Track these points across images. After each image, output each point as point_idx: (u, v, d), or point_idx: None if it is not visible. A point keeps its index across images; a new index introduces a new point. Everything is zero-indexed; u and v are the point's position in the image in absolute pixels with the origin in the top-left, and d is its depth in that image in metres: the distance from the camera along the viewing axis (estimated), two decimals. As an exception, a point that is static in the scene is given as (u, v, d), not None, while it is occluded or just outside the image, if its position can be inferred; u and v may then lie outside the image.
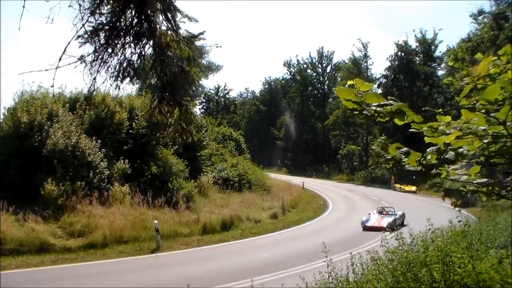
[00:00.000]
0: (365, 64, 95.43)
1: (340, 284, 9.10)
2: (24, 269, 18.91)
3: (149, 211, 27.11)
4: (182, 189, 31.51)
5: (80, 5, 4.77)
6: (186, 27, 5.31)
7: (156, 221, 23.92)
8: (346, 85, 3.58)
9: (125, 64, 5.22)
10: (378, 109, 3.56)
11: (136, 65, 5.27)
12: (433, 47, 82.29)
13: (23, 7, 4.54)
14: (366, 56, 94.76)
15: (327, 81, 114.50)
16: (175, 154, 34.17)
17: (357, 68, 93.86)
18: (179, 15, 5.12)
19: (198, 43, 5.50)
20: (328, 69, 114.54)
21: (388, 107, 3.57)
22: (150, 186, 30.00)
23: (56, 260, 20.27)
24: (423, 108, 3.76)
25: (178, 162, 33.61)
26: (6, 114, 31.16)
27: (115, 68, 5.21)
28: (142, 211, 26.72)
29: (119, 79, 5.27)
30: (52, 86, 5.27)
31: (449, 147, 4.05)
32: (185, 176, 33.62)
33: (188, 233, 26.59)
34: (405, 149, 4.14)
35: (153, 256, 22.12)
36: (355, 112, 3.68)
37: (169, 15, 5.02)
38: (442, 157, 4.07)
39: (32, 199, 24.62)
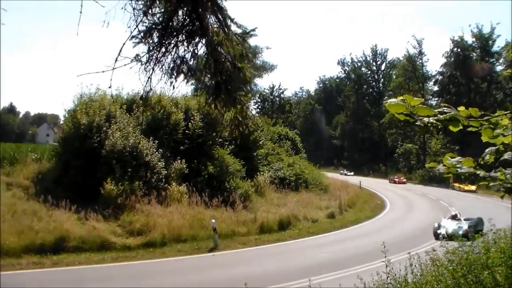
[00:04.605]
0: (420, 61, 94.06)
1: (398, 285, 8.93)
2: (86, 265, 19.38)
3: (206, 210, 27.30)
4: (239, 188, 31.60)
5: (133, 7, 4.83)
6: (236, 27, 5.33)
7: (213, 220, 24.02)
8: (397, 99, 3.48)
9: (178, 62, 5.25)
10: (431, 120, 3.46)
11: (189, 63, 5.29)
12: (490, 42, 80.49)
13: (80, 12, 4.64)
14: (421, 53, 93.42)
15: (382, 79, 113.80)
16: (231, 154, 34.28)
17: (412, 65, 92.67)
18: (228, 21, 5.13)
19: (251, 41, 5.49)
20: (383, 67, 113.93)
21: (441, 116, 3.48)
22: (207, 186, 30.26)
23: (117, 258, 20.65)
24: (482, 113, 3.63)
25: (234, 161, 33.71)
26: (66, 116, 31.98)
27: (169, 66, 5.25)
28: (199, 210, 26.92)
29: (174, 76, 5.32)
30: (110, 87, 5.36)
31: (508, 148, 3.92)
32: (241, 175, 33.70)
33: (245, 232, 26.63)
34: (457, 158, 4.08)
35: (210, 255, 22.25)
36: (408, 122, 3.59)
37: (220, 16, 5.01)
38: (500, 157, 3.94)
39: (93, 199, 25.12)
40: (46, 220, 22.41)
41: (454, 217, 29.23)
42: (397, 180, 75.64)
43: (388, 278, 8.85)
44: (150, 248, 22.59)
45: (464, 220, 28.32)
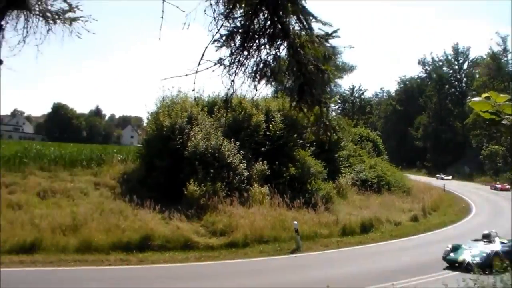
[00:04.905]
0: (505, 59, 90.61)
1: (486, 293, 8.58)
2: (170, 264, 19.85)
3: (288, 212, 27.23)
4: (320, 190, 31.42)
5: (214, 11, 4.86)
6: (319, 26, 5.28)
7: (295, 222, 23.94)
8: (482, 96, 3.31)
9: (261, 65, 5.25)
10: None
11: (272, 66, 5.27)
12: None
13: (162, 17, 4.80)
14: (505, 50, 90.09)
15: (464, 78, 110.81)
16: (312, 156, 34.12)
17: (496, 63, 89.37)
18: (311, 19, 5.06)
19: (332, 42, 5.42)
20: (465, 66, 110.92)
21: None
22: (289, 187, 30.22)
23: (200, 257, 20.95)
24: None
25: (316, 163, 33.54)
26: (149, 118, 32.89)
27: (252, 69, 5.27)
28: (281, 211, 26.89)
29: (257, 79, 5.33)
30: (194, 90, 5.51)
31: None
32: (323, 177, 33.50)
33: (327, 234, 26.41)
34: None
35: (292, 256, 22.20)
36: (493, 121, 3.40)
37: (301, 17, 4.96)
38: None
39: (176, 199, 25.68)
40: (132, 219, 23.15)
41: (486, 237, 21.00)
42: (499, 186, 68.81)
43: (476, 285, 8.54)
44: (232, 248, 22.79)
45: (502, 243, 20.56)
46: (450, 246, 20.49)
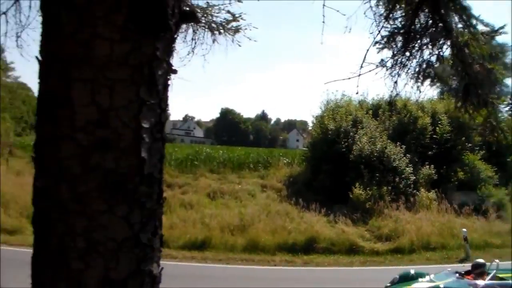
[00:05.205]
0: None
1: None
2: (335, 267, 20.03)
3: (456, 218, 26.15)
4: (491, 196, 29.81)
5: (374, 13, 4.89)
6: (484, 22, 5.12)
7: (464, 230, 22.91)
8: None
9: (424, 66, 5.19)
10: None
11: (435, 66, 5.21)
12: None
13: (323, 22, 4.88)
14: None
15: None
16: (482, 160, 32.55)
17: None
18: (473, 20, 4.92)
19: (499, 38, 5.23)
20: None
21: None
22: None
23: (365, 262, 20.93)
24: None
25: (486, 168, 31.91)
26: (314, 122, 33.43)
27: (414, 70, 5.22)
28: (449, 218, 25.88)
29: (420, 80, 5.29)
30: (357, 93, 5.62)
31: None
32: (494, 182, 31.80)
33: (499, 244, 24.88)
34: None
35: (461, 266, 21.33)
36: None
37: (464, 16, 4.84)
38: None
39: (342, 202, 25.81)
40: (298, 221, 23.64)
41: (477, 268, 14.33)
42: None
43: None
44: (398, 254, 22.39)
45: (501, 279, 14.04)
46: (412, 271, 14.71)
